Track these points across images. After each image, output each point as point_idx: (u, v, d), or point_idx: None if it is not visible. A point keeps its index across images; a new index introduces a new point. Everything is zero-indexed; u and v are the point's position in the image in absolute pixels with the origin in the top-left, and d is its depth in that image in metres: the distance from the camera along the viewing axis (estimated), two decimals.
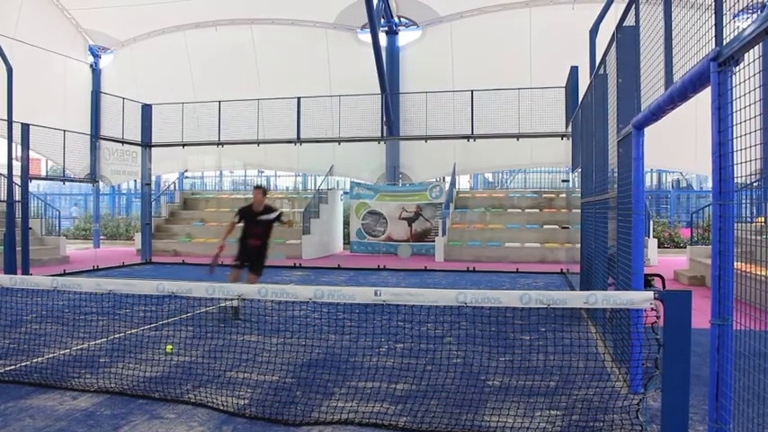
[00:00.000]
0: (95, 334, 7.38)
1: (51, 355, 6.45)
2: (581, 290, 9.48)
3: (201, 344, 6.87)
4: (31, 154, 15.34)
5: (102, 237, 25.56)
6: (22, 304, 8.55)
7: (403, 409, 4.77)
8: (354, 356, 6.43)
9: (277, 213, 9.11)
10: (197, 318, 8.62)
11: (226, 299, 7.10)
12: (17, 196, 13.94)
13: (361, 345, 6.90)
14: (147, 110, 18.45)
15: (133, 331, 7.75)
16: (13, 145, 13.73)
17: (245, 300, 7.78)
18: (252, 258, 8.97)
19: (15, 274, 12.68)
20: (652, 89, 4.61)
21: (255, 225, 8.96)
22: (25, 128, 14.20)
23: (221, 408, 4.79)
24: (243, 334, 7.40)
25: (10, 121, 13.21)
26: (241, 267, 8.96)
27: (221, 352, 6.45)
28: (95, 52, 25.69)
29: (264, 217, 8.97)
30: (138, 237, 20.52)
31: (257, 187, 9.13)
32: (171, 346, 6.71)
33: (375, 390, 5.23)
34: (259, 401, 4.96)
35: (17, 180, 14.03)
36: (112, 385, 5.36)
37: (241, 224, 9.06)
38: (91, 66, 25.77)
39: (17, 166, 14.10)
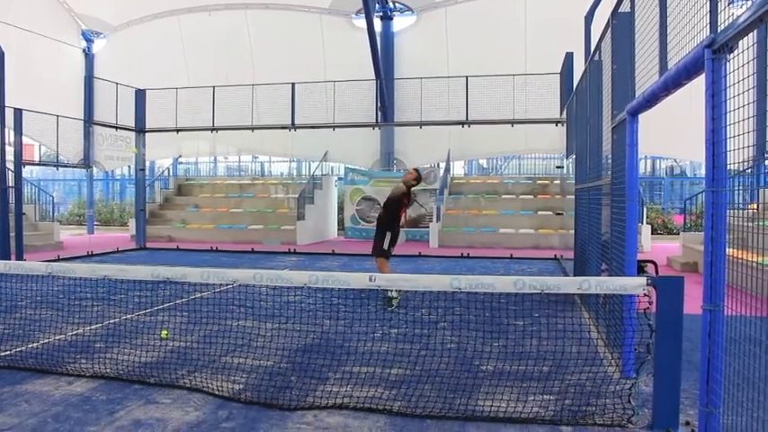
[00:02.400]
0: (90, 319, 7.39)
1: (46, 341, 6.46)
2: (575, 276, 9.53)
3: (196, 329, 6.89)
4: (24, 139, 15.25)
5: (96, 222, 25.51)
6: (17, 290, 8.54)
7: (397, 393, 4.81)
8: (349, 342, 6.46)
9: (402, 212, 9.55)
10: (192, 303, 8.63)
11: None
12: (10, 182, 13.88)
13: (355, 330, 6.93)
14: (140, 95, 18.34)
15: (128, 317, 7.77)
16: (6, 130, 13.65)
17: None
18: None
19: (9, 259, 12.65)
20: (647, 76, 4.61)
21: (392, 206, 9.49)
22: (18, 113, 14.11)
23: (217, 392, 4.82)
24: (238, 319, 7.42)
25: (2, 106, 13.12)
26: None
27: (216, 337, 6.46)
28: (88, 37, 25.50)
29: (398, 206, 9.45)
30: (132, 222, 20.49)
31: (415, 170, 9.61)
32: (166, 332, 6.73)
33: (369, 375, 5.26)
34: (254, 386, 4.99)
35: (10, 166, 13.96)
36: (108, 370, 5.38)
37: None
38: (84, 51, 25.58)
39: (10, 151, 14.03)
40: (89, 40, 25.60)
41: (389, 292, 8.39)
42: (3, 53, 12.85)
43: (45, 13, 23.20)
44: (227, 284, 7.32)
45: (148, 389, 4.97)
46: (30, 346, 6.26)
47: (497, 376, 5.23)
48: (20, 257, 13.45)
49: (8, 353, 5.98)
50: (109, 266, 5.44)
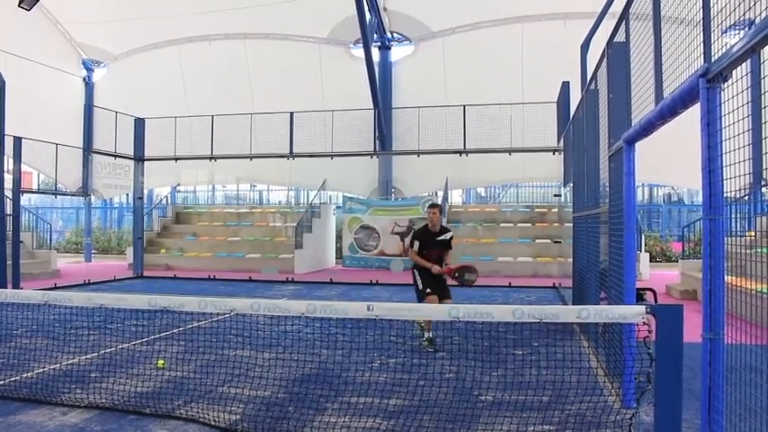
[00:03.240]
0: (86, 348, 7.33)
1: (41, 370, 6.40)
2: (573, 304, 9.49)
3: (193, 359, 6.84)
4: (23, 167, 15.29)
5: (93, 251, 25.44)
6: (13, 318, 8.50)
7: (395, 424, 4.75)
8: (347, 371, 6.41)
9: (451, 234, 8.47)
10: (189, 332, 8.58)
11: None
12: (8, 210, 13.88)
13: (353, 360, 6.88)
14: (139, 124, 18.43)
15: (124, 346, 7.71)
16: (5, 158, 13.69)
17: (236, 313, 7.72)
18: (440, 284, 8.24)
19: (6, 287, 12.59)
20: (642, 104, 4.65)
21: (434, 246, 8.30)
22: (17, 141, 14.17)
23: (213, 423, 4.76)
24: (235, 349, 7.37)
25: (2, 135, 13.17)
26: (439, 294, 8.12)
27: (213, 367, 6.41)
28: (89, 66, 25.71)
29: (442, 237, 8.33)
30: (129, 251, 20.45)
31: (434, 206, 8.49)
32: (162, 361, 6.67)
33: (368, 405, 5.21)
34: (251, 417, 4.93)
35: (9, 194, 13.97)
36: (103, 401, 5.32)
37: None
38: (84, 79, 25.77)
39: (9, 179, 14.05)
40: (89, 69, 25.80)
41: (427, 334, 7.93)
42: (4, 82, 12.94)
43: (46, 43, 23.41)
44: (224, 314, 7.28)
45: (144, 419, 4.91)
46: (24, 375, 6.20)
47: (497, 406, 5.17)
48: (16, 285, 13.38)
49: (2, 383, 5.92)
50: (105, 295, 5.41)
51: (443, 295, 8.09)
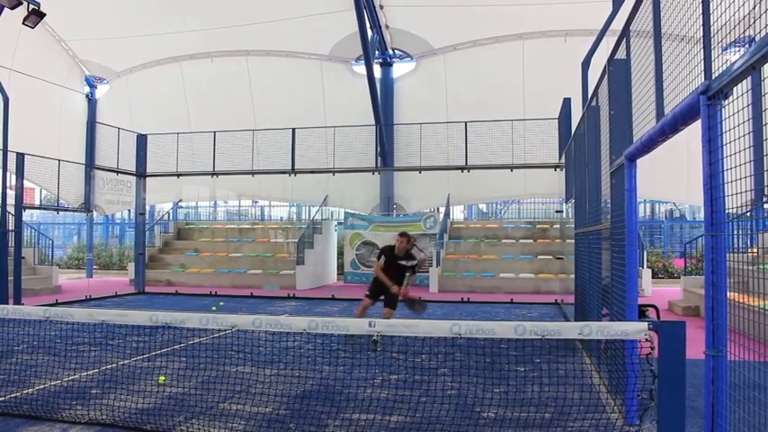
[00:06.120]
0: (87, 365, 7.31)
1: (42, 386, 6.38)
2: (575, 321, 9.46)
3: (194, 375, 6.81)
4: (26, 183, 15.32)
5: (95, 266, 25.44)
6: (14, 334, 8.48)
7: None
8: (348, 388, 6.38)
9: (415, 262, 9.40)
10: (190, 348, 8.55)
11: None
12: (11, 225, 13.90)
13: (355, 376, 6.86)
14: (141, 140, 18.51)
15: (125, 362, 7.68)
16: (8, 174, 13.72)
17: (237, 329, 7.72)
18: (386, 293, 9.24)
19: (7, 303, 12.58)
20: (644, 121, 4.66)
21: (393, 266, 9.27)
22: (20, 157, 14.22)
23: None
24: (236, 365, 7.35)
25: (5, 151, 13.22)
26: (373, 300, 9.37)
27: (214, 383, 6.39)
28: (91, 83, 25.84)
29: (403, 262, 9.27)
30: (131, 266, 20.44)
31: (402, 234, 9.40)
32: (163, 377, 6.65)
33: (369, 422, 5.18)
34: None
35: (11, 209, 14.00)
36: (104, 417, 5.30)
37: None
38: (87, 96, 25.90)
39: (11, 195, 14.08)
40: (92, 86, 25.93)
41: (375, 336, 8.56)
42: (8, 98, 13.01)
43: (49, 59, 23.54)
44: (225, 330, 7.26)
45: None
46: (25, 392, 6.18)
47: (499, 423, 5.15)
48: (18, 301, 13.37)
49: (2, 399, 5.90)
50: (107, 311, 5.41)
51: (387, 304, 9.16)
